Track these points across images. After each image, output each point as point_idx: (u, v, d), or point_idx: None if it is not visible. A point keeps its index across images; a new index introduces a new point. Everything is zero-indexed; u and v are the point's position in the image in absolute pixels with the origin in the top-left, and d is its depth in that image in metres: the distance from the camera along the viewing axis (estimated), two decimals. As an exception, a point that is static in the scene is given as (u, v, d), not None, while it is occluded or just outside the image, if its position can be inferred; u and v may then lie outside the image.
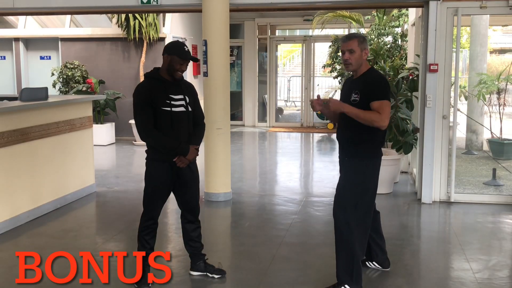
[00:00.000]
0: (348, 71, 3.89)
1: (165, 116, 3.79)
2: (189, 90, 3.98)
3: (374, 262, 4.28)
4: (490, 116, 9.68)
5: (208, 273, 4.16)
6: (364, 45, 3.75)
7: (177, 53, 3.77)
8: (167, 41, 11.03)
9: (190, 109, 3.91)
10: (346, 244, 3.71)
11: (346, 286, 3.71)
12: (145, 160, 3.99)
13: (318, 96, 3.81)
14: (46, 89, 6.26)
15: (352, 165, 3.79)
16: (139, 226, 4.04)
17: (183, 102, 3.86)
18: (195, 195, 4.13)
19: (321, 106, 3.74)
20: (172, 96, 3.82)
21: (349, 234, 3.69)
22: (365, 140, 3.71)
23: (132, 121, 10.78)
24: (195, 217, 4.14)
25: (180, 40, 11.58)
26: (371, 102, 3.62)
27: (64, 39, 11.54)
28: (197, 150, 3.96)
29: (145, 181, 4.00)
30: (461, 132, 9.90)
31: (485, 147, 9.69)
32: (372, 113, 3.59)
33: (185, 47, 3.83)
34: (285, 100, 18.77)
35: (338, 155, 3.97)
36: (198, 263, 4.19)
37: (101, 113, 10.67)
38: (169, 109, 3.78)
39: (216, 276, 4.14)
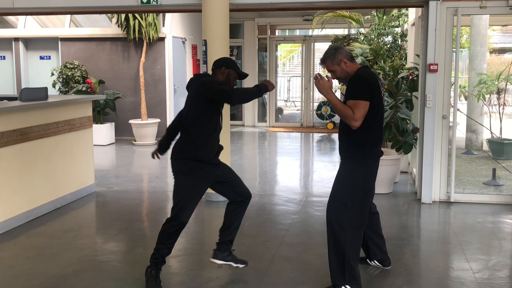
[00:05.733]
0: (344, 83, 3.89)
1: (213, 121, 3.89)
2: None
3: (375, 261, 4.31)
4: (490, 116, 9.69)
5: (232, 263, 4.18)
6: (338, 56, 3.71)
7: (235, 69, 4.00)
8: (167, 41, 11.05)
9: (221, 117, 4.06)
10: (336, 244, 3.72)
11: (346, 286, 3.71)
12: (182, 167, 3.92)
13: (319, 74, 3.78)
14: (46, 89, 6.26)
15: (344, 166, 3.80)
16: (166, 230, 3.90)
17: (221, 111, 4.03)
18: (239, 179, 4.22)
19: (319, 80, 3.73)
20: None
21: (339, 234, 3.69)
22: (358, 141, 3.69)
23: (132, 121, 10.80)
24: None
25: (180, 40, 11.60)
26: (347, 100, 3.64)
27: (64, 39, 11.54)
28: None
29: (185, 188, 3.90)
30: (461, 132, 9.91)
31: (485, 147, 9.69)
32: (348, 108, 3.60)
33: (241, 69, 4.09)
34: (285, 100, 18.79)
35: (339, 156, 3.98)
36: (225, 254, 4.19)
37: (101, 113, 10.67)
38: (218, 116, 3.93)
39: (240, 266, 4.18)
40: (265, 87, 3.88)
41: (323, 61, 3.80)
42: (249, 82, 13.55)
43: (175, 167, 3.94)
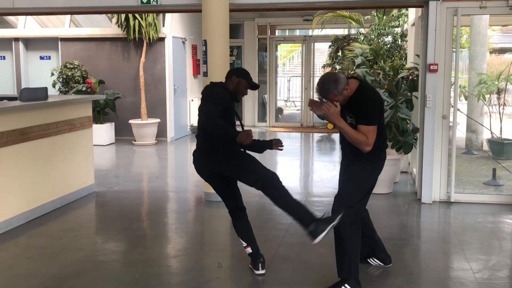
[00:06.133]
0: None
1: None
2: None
3: (375, 259, 4.32)
4: (490, 116, 9.68)
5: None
6: (339, 86, 3.63)
7: (246, 78, 4.03)
8: (167, 41, 11.05)
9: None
10: (344, 239, 3.75)
11: (346, 286, 3.72)
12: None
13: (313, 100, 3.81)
14: (46, 89, 6.26)
15: (357, 165, 3.82)
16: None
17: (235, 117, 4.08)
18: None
19: (314, 106, 3.74)
20: (231, 110, 4.02)
21: (345, 230, 3.73)
22: (372, 149, 3.74)
23: (132, 121, 10.80)
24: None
25: (180, 40, 11.59)
26: (359, 125, 3.66)
27: (64, 39, 11.54)
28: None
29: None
30: (461, 132, 9.90)
31: (485, 147, 9.69)
32: (360, 135, 3.63)
33: (252, 79, 4.08)
34: (285, 100, 18.78)
35: (339, 155, 3.99)
36: (258, 260, 4.21)
37: (101, 113, 10.67)
38: (238, 122, 4.04)
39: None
40: (239, 137, 3.72)
41: (326, 96, 3.69)
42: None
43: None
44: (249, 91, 4.10)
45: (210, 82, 4.14)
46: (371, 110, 3.66)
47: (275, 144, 4.17)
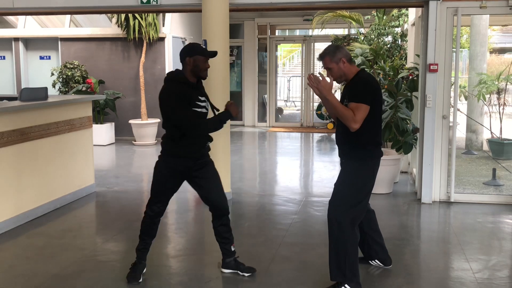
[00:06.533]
0: (338, 83, 3.91)
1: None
2: (205, 93, 4.05)
3: (376, 260, 4.31)
4: (490, 116, 9.68)
5: (238, 271, 4.18)
6: (337, 55, 3.70)
7: (199, 52, 3.83)
8: (167, 41, 11.04)
9: (209, 110, 4.00)
10: (337, 242, 3.73)
11: (346, 285, 3.72)
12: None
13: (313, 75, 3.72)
14: (45, 89, 6.26)
15: (348, 166, 3.82)
16: None
17: (205, 104, 3.94)
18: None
19: (314, 82, 3.69)
20: (199, 97, 3.88)
21: (340, 233, 3.71)
22: (360, 143, 3.72)
23: (132, 121, 10.79)
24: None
25: (180, 40, 11.59)
26: (350, 102, 3.64)
27: (64, 39, 11.54)
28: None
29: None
30: (461, 132, 9.90)
31: (485, 147, 9.69)
32: (349, 110, 3.60)
33: (202, 45, 3.87)
34: (285, 100, 18.79)
35: (338, 155, 3.99)
36: (228, 260, 4.21)
37: (101, 113, 10.67)
38: (198, 110, 3.84)
39: (246, 275, 4.16)
40: (226, 115, 3.79)
41: (322, 57, 3.78)
42: (249, 82, 13.58)
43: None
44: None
45: (165, 76, 3.94)
46: (362, 89, 3.65)
47: (228, 106, 3.94)
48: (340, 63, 3.71)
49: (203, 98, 3.93)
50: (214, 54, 3.90)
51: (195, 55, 3.82)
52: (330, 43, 11.90)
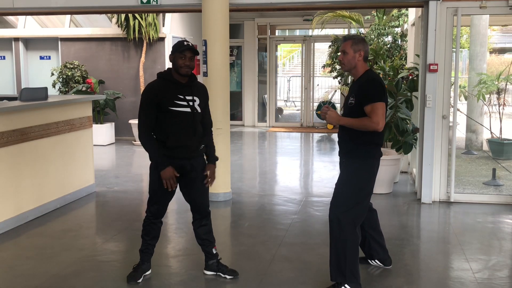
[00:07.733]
0: (343, 71, 3.96)
1: (171, 116, 3.81)
2: (201, 93, 3.98)
3: (376, 260, 4.31)
4: (490, 116, 9.69)
5: (220, 273, 4.16)
6: (359, 46, 3.75)
7: (176, 49, 3.82)
8: (167, 41, 11.04)
9: (199, 110, 3.92)
10: (338, 243, 3.73)
11: (346, 286, 3.72)
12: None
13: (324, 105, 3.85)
14: (45, 89, 6.26)
15: (349, 167, 3.82)
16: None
17: (191, 103, 3.86)
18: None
19: (323, 113, 3.78)
20: (180, 96, 3.83)
21: (340, 233, 3.71)
22: (362, 142, 3.73)
23: (132, 121, 10.79)
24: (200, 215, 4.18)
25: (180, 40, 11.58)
26: (364, 107, 3.65)
27: (64, 39, 11.54)
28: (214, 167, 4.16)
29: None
30: (461, 132, 9.90)
31: (485, 147, 9.69)
32: (364, 119, 3.63)
33: (184, 42, 3.83)
34: (285, 100, 18.79)
35: (338, 154, 4.00)
36: (210, 262, 4.19)
37: (101, 113, 10.67)
38: (175, 109, 3.81)
39: (228, 277, 4.14)
40: (159, 166, 3.82)
41: (345, 39, 3.81)
42: (249, 82, 13.58)
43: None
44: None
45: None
46: (374, 89, 3.67)
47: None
48: (357, 53, 3.74)
49: (189, 98, 3.86)
50: (188, 48, 3.76)
51: (174, 52, 3.83)
52: (330, 43, 11.95)
